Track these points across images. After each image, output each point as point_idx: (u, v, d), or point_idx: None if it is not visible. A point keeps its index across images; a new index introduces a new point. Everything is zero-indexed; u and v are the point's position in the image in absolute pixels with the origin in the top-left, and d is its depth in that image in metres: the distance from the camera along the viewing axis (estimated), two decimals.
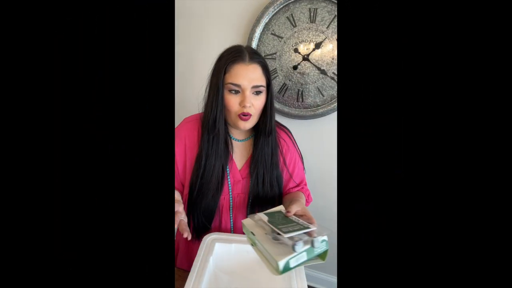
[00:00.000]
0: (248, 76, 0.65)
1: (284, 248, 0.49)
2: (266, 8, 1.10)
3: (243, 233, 0.75)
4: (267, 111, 0.71)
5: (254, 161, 0.73)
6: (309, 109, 1.15)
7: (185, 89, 1.37)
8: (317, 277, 1.40)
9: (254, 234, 0.55)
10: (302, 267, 0.56)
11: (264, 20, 1.12)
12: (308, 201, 0.79)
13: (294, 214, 0.59)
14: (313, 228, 0.52)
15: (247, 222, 0.60)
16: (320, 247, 0.50)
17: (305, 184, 0.82)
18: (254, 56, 0.67)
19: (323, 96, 1.13)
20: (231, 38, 1.22)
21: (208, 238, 0.63)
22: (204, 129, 0.71)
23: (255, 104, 0.67)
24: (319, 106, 1.14)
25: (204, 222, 0.73)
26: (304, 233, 0.51)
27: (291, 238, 0.49)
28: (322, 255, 0.51)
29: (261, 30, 1.14)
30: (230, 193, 0.74)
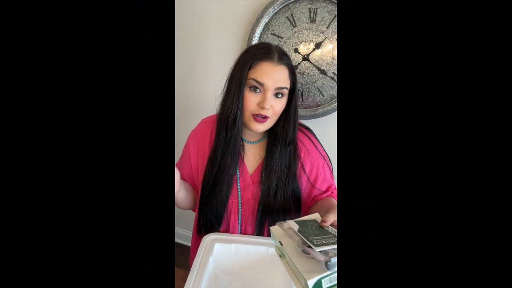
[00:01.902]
0: (274, 76, 0.61)
1: (316, 265, 0.42)
2: (266, 8, 1.10)
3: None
4: (290, 117, 0.66)
5: (267, 170, 0.68)
6: (309, 109, 1.15)
7: (185, 89, 1.37)
8: None
9: (282, 245, 0.48)
10: None
11: (264, 20, 1.12)
12: None
13: (332, 225, 0.51)
14: None
15: (275, 230, 0.52)
16: None
17: (335, 189, 0.73)
18: (283, 57, 0.63)
19: (323, 96, 1.13)
20: (231, 38, 1.22)
21: (207, 238, 0.63)
22: (221, 126, 0.65)
23: (275, 107, 0.63)
24: (319, 106, 1.14)
25: (213, 223, 0.70)
26: None
27: (324, 252, 0.42)
28: None
29: (261, 30, 1.13)
30: (240, 198, 0.70)
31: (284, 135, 0.66)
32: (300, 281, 0.42)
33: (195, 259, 0.57)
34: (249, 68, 0.62)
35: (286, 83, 0.63)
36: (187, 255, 1.54)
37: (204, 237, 0.64)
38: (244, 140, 0.71)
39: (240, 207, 0.70)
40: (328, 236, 0.46)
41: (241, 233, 0.72)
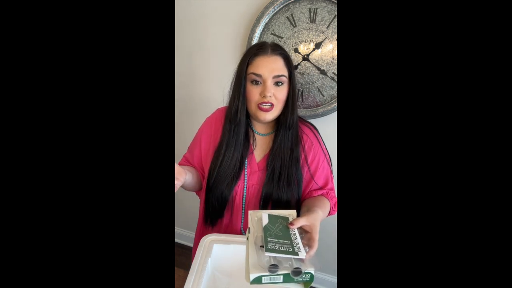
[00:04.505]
0: (269, 66, 0.67)
1: (263, 261, 0.47)
2: (266, 8, 1.10)
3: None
4: (288, 103, 0.71)
5: (272, 154, 0.73)
6: (309, 109, 1.15)
7: (184, 89, 1.37)
8: (317, 277, 1.40)
9: (250, 232, 0.53)
10: None
11: (264, 20, 1.12)
12: (330, 213, 0.74)
13: (302, 228, 0.55)
14: (301, 257, 0.47)
15: (252, 214, 0.58)
16: (300, 278, 0.46)
17: (331, 190, 0.76)
18: (276, 48, 0.69)
19: (323, 96, 1.13)
20: (231, 38, 1.22)
21: (206, 239, 0.63)
22: (227, 119, 0.73)
23: (277, 95, 0.68)
24: (319, 106, 1.14)
25: (217, 209, 0.74)
26: (290, 257, 0.47)
27: (274, 258, 0.47)
28: (305, 284, 0.48)
29: (261, 30, 1.13)
30: (245, 183, 0.74)
31: (285, 120, 0.72)
32: (247, 269, 0.47)
33: (194, 260, 0.56)
34: (248, 65, 0.69)
35: (283, 71, 0.68)
36: (187, 255, 1.54)
37: (203, 238, 0.64)
38: (256, 132, 0.77)
39: (245, 191, 0.74)
40: (285, 242, 0.49)
41: (243, 216, 0.76)
